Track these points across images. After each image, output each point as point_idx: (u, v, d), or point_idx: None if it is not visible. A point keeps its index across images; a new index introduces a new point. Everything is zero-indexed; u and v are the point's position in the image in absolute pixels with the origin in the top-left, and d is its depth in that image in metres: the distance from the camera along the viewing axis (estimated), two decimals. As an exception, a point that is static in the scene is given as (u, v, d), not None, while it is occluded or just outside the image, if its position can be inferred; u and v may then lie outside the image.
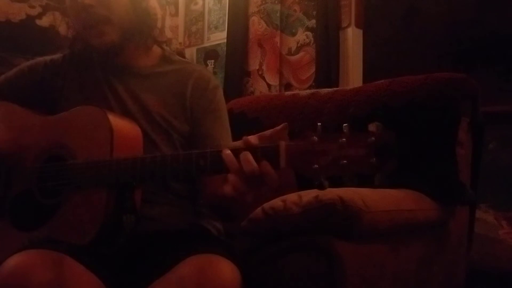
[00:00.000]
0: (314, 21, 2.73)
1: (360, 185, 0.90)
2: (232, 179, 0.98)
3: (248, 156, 0.95)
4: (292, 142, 0.94)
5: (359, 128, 0.90)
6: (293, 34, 2.85)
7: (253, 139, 0.98)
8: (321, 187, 0.92)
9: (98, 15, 1.18)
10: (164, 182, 1.22)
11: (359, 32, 2.71)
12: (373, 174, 0.88)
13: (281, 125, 1.84)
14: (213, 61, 3.24)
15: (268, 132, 1.84)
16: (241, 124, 1.93)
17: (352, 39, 2.66)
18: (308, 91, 2.01)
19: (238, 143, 1.04)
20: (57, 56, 1.36)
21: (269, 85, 2.94)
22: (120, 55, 1.26)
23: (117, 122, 1.14)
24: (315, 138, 0.91)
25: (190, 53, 3.36)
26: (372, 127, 0.89)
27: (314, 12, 2.73)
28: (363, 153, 0.88)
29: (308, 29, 2.79)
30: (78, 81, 1.30)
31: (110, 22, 1.20)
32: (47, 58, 1.36)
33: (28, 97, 1.31)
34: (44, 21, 2.84)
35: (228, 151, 0.98)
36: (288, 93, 2.13)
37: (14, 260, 0.98)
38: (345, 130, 0.90)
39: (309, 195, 1.18)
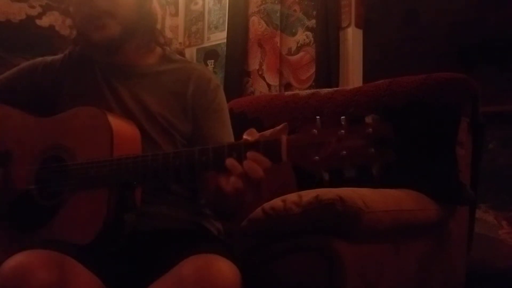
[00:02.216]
0: (314, 21, 2.73)
1: (359, 176, 0.91)
2: (234, 181, 0.99)
3: (253, 164, 0.97)
4: (292, 136, 0.96)
5: (356, 121, 0.91)
6: (293, 34, 2.85)
7: (253, 134, 0.99)
8: (322, 179, 0.93)
9: (101, 9, 1.18)
10: (165, 181, 1.22)
11: (359, 32, 2.71)
12: (371, 165, 0.89)
13: (281, 125, 1.84)
14: (213, 61, 3.24)
15: (268, 132, 1.84)
16: (241, 124, 1.92)
17: (352, 39, 2.66)
18: (308, 91, 2.01)
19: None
20: (57, 56, 1.36)
21: (269, 85, 2.94)
22: (120, 53, 1.25)
23: (117, 122, 1.14)
24: (315, 131, 0.93)
25: (190, 53, 3.36)
26: (369, 119, 0.91)
27: (314, 12, 2.73)
28: (362, 144, 0.90)
29: (308, 29, 2.79)
30: (78, 82, 1.29)
31: (113, 16, 1.19)
32: (47, 58, 1.36)
33: (27, 97, 1.30)
34: (44, 21, 2.83)
35: (231, 159, 0.98)
36: (288, 93, 2.13)
37: (14, 261, 0.97)
38: (343, 123, 0.92)
39: (309, 195, 1.18)
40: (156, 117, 1.23)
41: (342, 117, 0.92)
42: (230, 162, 0.98)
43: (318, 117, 0.95)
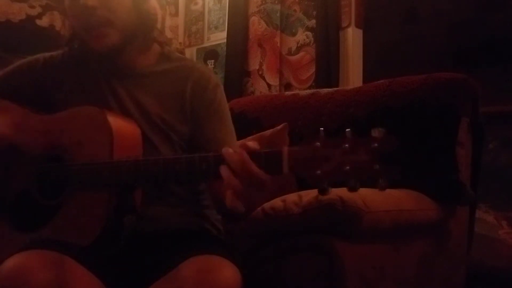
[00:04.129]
0: (314, 21, 2.73)
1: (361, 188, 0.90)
2: (230, 193, 0.98)
3: (248, 160, 0.95)
4: (294, 148, 0.93)
5: (361, 131, 0.89)
6: (293, 34, 2.85)
7: (252, 144, 0.98)
8: (323, 192, 0.91)
9: (101, 17, 1.16)
10: (165, 184, 1.21)
11: (359, 32, 2.71)
12: (376, 180, 0.87)
13: (281, 125, 1.84)
14: (213, 61, 3.24)
15: (268, 132, 1.84)
16: (241, 124, 1.93)
17: (352, 39, 2.66)
18: (308, 91, 2.01)
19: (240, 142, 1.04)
20: (56, 53, 1.35)
21: (269, 85, 2.94)
22: (120, 57, 1.25)
23: (117, 122, 1.14)
24: (318, 144, 0.91)
25: (190, 53, 3.36)
26: (375, 132, 0.87)
27: (314, 12, 2.73)
28: (367, 159, 0.87)
29: (308, 29, 2.79)
30: (77, 80, 1.29)
31: (112, 24, 1.18)
32: (46, 55, 1.35)
33: (25, 94, 1.30)
34: (44, 21, 2.83)
35: (230, 150, 0.98)
36: (288, 93, 2.13)
37: (13, 261, 0.97)
38: (348, 136, 0.89)
39: (309, 195, 1.18)
40: (153, 118, 1.23)
41: (347, 130, 0.89)
42: (228, 153, 0.97)
43: (322, 129, 0.91)
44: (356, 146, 0.88)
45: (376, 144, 0.87)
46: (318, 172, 0.90)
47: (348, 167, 0.88)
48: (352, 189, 0.89)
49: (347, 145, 0.88)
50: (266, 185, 0.98)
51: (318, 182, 0.91)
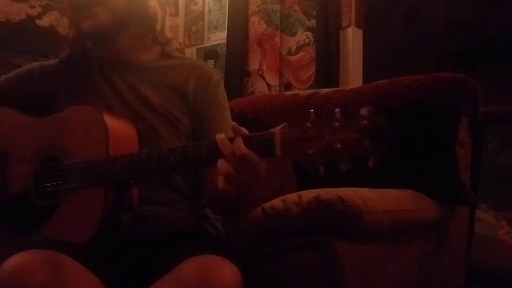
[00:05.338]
0: (314, 21, 2.73)
1: (354, 169, 0.91)
2: (223, 171, 0.98)
3: (240, 142, 0.97)
4: (286, 130, 0.95)
5: (351, 114, 0.91)
6: (293, 34, 2.85)
7: (243, 128, 1.00)
8: (316, 173, 0.93)
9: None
10: (162, 178, 1.22)
11: (359, 32, 2.71)
12: (367, 158, 0.89)
13: (281, 125, 1.83)
14: (213, 61, 3.24)
15: (268, 132, 1.83)
16: (241, 124, 1.91)
17: (352, 39, 2.66)
18: (308, 91, 2.01)
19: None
20: (52, 61, 1.37)
21: (269, 85, 2.94)
22: (114, 45, 1.26)
23: (112, 121, 1.14)
24: (309, 124, 0.93)
25: (190, 53, 3.36)
26: (364, 111, 0.90)
27: (314, 12, 2.73)
28: (357, 137, 0.90)
29: (308, 29, 2.78)
30: (76, 82, 1.30)
31: (102, 5, 1.20)
32: (44, 63, 1.38)
33: (25, 101, 1.31)
34: (44, 21, 2.83)
35: (222, 135, 0.99)
36: (288, 93, 2.13)
37: (12, 261, 0.97)
38: (337, 115, 0.91)
39: (309, 195, 1.18)
40: (157, 109, 1.24)
41: (336, 110, 0.92)
42: (221, 139, 0.99)
43: (312, 110, 0.94)
44: (346, 125, 0.91)
45: (365, 122, 0.89)
46: (310, 151, 0.92)
47: (338, 145, 0.90)
48: (344, 167, 0.90)
49: (337, 124, 0.91)
50: (260, 170, 0.99)
51: (310, 161, 0.93)
